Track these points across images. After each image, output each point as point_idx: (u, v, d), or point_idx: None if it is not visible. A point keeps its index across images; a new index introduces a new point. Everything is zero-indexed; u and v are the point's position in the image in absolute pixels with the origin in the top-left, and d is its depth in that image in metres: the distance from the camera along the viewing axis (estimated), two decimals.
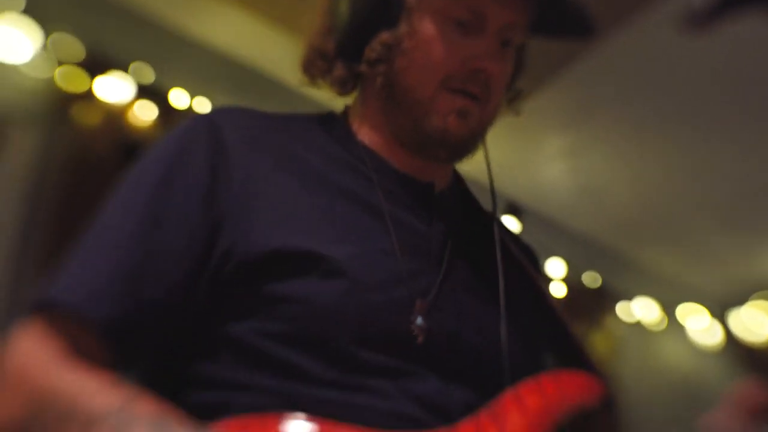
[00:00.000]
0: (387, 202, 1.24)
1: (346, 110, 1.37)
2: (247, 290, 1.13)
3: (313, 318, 1.11)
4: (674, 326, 4.11)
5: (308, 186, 1.21)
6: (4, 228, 2.42)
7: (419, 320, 1.15)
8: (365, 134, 1.31)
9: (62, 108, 3.06)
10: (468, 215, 1.39)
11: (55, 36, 3.08)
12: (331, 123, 1.34)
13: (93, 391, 1.00)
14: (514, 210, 3.57)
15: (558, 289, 3.78)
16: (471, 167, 1.36)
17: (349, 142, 1.30)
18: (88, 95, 3.19)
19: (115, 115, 3.22)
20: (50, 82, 3.04)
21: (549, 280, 1.25)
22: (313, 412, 1.06)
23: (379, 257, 1.19)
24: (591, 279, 3.90)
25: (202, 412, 1.06)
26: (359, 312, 1.13)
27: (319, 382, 1.09)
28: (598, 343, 3.82)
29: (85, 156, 2.94)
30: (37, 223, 2.45)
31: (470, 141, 1.27)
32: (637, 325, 3.93)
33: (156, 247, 1.12)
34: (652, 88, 3.46)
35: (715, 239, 4.17)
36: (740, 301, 4.33)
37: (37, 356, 1.04)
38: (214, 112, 1.25)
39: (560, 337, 1.29)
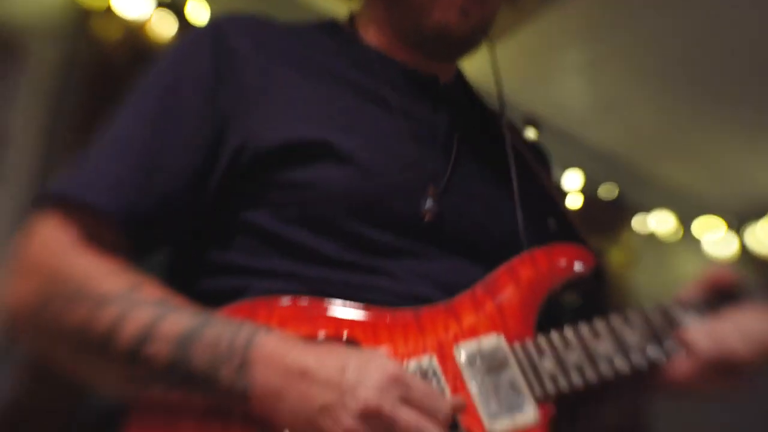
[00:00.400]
0: (393, 92, 1.28)
1: (352, 16, 1.41)
2: (262, 180, 1.18)
3: (325, 202, 1.17)
4: (690, 239, 4.14)
5: (315, 80, 1.26)
6: (26, 139, 2.47)
7: (429, 202, 1.21)
8: (371, 36, 1.36)
9: (82, 22, 3.09)
10: (473, 108, 1.43)
11: None
12: (337, 28, 1.38)
13: (103, 274, 1.06)
14: (532, 122, 3.59)
15: (574, 201, 3.81)
16: (480, 72, 1.40)
17: (355, 43, 1.35)
18: (108, 10, 3.22)
19: (134, 30, 3.25)
20: None
21: (551, 174, 1.29)
22: (324, 294, 1.13)
23: (387, 144, 1.24)
24: (608, 191, 3.92)
25: (218, 299, 1.12)
26: (369, 195, 1.19)
27: (332, 264, 1.16)
28: (614, 255, 3.86)
29: (104, 69, 2.98)
30: (58, 135, 2.51)
31: (472, 38, 1.31)
32: (653, 238, 3.95)
33: (165, 144, 1.17)
34: (672, 2, 3.43)
35: (734, 153, 4.17)
36: (757, 215, 4.34)
37: (53, 245, 1.10)
38: (220, 19, 1.29)
39: (556, 215, 1.35)
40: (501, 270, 1.20)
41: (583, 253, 1.24)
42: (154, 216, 1.15)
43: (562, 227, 1.35)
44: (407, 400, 0.95)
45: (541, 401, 1.07)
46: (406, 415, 0.93)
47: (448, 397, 1.03)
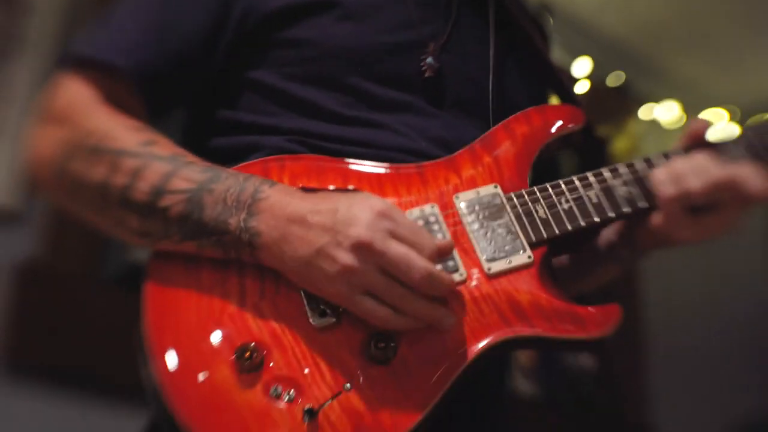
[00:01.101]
0: None
1: None
2: (267, 39, 1.26)
3: (328, 58, 1.25)
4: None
5: None
6: (49, 5, 2.50)
7: (430, 59, 1.28)
8: None
9: None
10: None
11: None
12: None
13: (121, 130, 1.14)
14: (545, 9, 3.59)
15: (582, 87, 3.84)
16: None
17: None
18: None
19: None
20: None
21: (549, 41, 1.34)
22: (329, 149, 1.21)
23: (388, 3, 1.31)
24: (615, 79, 3.94)
25: (229, 156, 1.20)
26: (370, 51, 1.27)
27: (335, 119, 1.24)
28: (618, 142, 3.91)
29: None
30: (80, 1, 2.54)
31: None
32: (658, 126, 3.99)
33: (179, 7, 1.25)
34: None
35: (744, 46, 4.16)
36: (763, 109, 4.35)
37: (75, 101, 1.18)
38: None
39: (549, 76, 1.43)
40: (498, 127, 1.28)
41: (574, 111, 1.32)
42: (167, 74, 1.22)
43: (556, 90, 1.42)
44: (395, 235, 1.03)
45: (534, 245, 1.17)
46: (395, 248, 1.02)
47: (448, 237, 1.13)
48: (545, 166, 1.33)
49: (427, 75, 1.28)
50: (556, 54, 3.67)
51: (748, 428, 3.49)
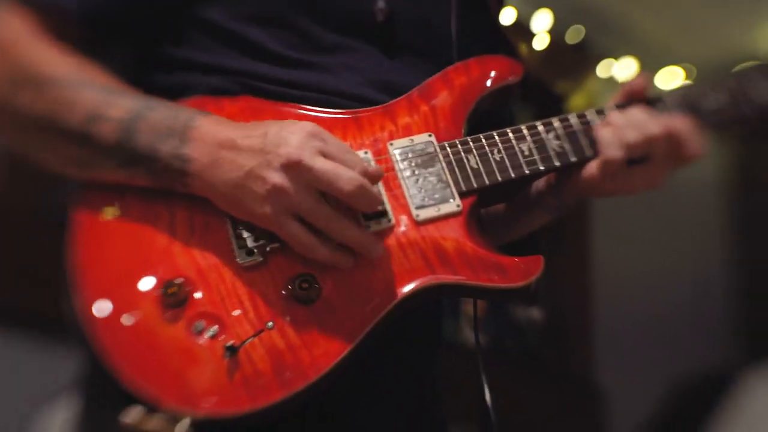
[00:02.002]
0: None
1: None
2: None
3: None
4: (652, 89, 4.17)
5: None
6: None
7: (381, 3, 1.28)
8: None
9: None
10: None
11: None
12: None
13: (60, 62, 1.13)
14: None
15: (541, 42, 3.83)
16: None
17: None
18: None
19: None
20: None
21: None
22: (270, 91, 1.21)
23: None
24: (575, 34, 3.94)
25: (171, 94, 1.19)
26: None
27: (279, 60, 1.24)
28: (575, 99, 3.92)
29: None
30: None
31: None
32: (615, 83, 4.00)
33: None
34: None
35: (703, 6, 4.17)
36: (722, 70, 4.36)
37: (16, 33, 1.16)
38: None
39: (490, 29, 1.43)
40: (436, 77, 1.28)
41: (514, 64, 1.32)
42: (110, 9, 1.21)
43: (496, 40, 1.42)
44: (325, 153, 1.05)
45: (463, 194, 1.18)
46: (323, 164, 1.03)
47: (373, 165, 1.13)
48: (496, 118, 1.34)
49: (379, 19, 1.28)
50: (517, 5, 3.68)
51: (689, 388, 3.56)
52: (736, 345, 4.25)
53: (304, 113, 1.20)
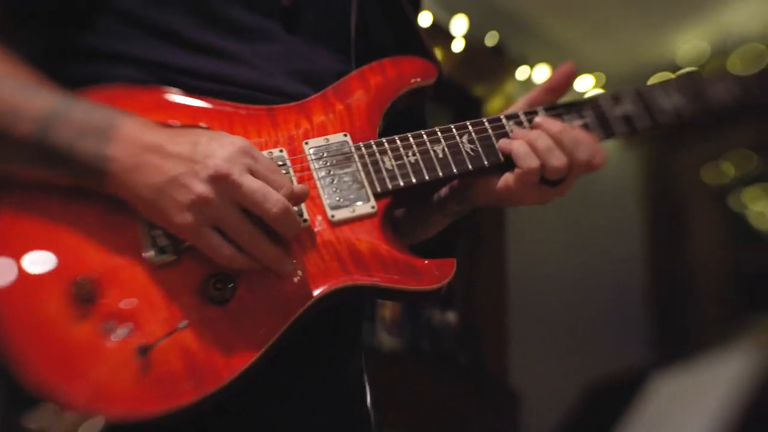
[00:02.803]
0: None
1: None
2: None
3: None
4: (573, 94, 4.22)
5: None
6: None
7: None
8: None
9: None
10: None
11: None
12: None
13: None
14: None
15: (457, 45, 3.85)
16: None
17: None
18: None
19: None
20: None
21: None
22: (183, 83, 1.18)
23: None
24: (492, 39, 3.97)
25: (79, 85, 1.15)
26: None
27: (192, 46, 1.21)
28: (494, 102, 3.95)
29: None
30: None
31: None
32: (533, 87, 4.03)
33: None
34: None
35: (621, 16, 4.25)
36: (638, 80, 4.45)
37: None
38: None
39: (405, 29, 1.43)
40: (352, 75, 1.28)
41: (428, 66, 1.32)
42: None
43: (411, 41, 1.42)
44: (253, 171, 1.03)
45: (378, 196, 1.17)
46: (251, 182, 1.01)
47: (296, 183, 1.12)
48: (410, 119, 1.34)
49: (283, 3, 1.28)
50: (433, 9, 3.70)
51: (602, 388, 3.62)
52: (650, 347, 4.34)
53: (217, 109, 1.17)
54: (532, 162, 1.19)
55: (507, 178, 1.22)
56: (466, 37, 3.85)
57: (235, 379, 1.01)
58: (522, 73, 4.04)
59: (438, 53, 3.81)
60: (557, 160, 1.19)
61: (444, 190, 1.33)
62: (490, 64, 4.00)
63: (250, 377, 1.02)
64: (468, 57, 3.90)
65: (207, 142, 1.03)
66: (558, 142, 1.20)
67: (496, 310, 3.80)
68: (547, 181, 1.22)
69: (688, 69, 4.35)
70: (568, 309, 4.08)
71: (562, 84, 1.29)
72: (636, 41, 4.40)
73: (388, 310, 3.42)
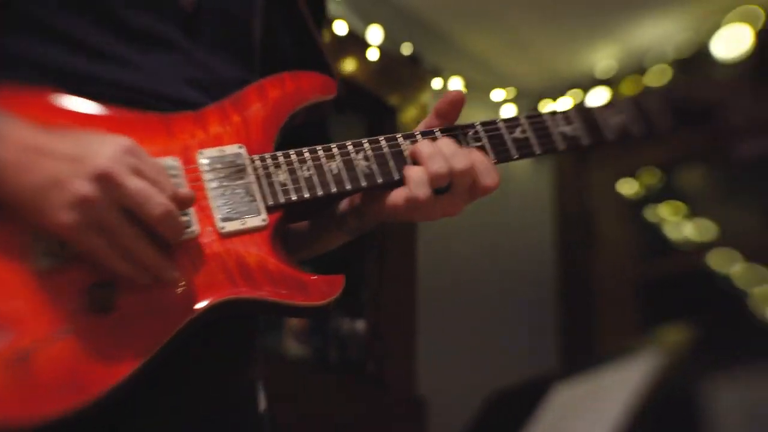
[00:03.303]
0: None
1: None
2: None
3: None
4: (487, 106, 4.28)
5: None
6: None
7: None
8: None
9: None
10: None
11: None
12: None
13: None
14: None
15: (373, 54, 3.87)
16: None
17: None
18: None
19: None
20: None
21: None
22: (74, 86, 1.15)
23: None
24: (408, 50, 4.00)
25: None
26: None
27: (87, 53, 1.19)
28: (409, 112, 3.97)
29: None
30: None
31: None
32: None
33: None
34: None
35: (538, 31, 4.31)
36: (554, 95, 4.52)
37: None
38: None
39: (307, 44, 1.43)
40: (250, 88, 1.27)
41: (328, 82, 1.33)
42: None
43: (313, 55, 1.43)
44: (138, 172, 1.01)
45: (270, 209, 1.17)
46: (135, 183, 1.00)
47: (185, 190, 1.10)
48: (312, 133, 1.34)
49: (184, 9, 1.27)
50: (349, 19, 3.71)
51: (505, 397, 3.67)
52: (557, 356, 4.41)
53: (111, 115, 1.15)
54: (422, 186, 1.20)
55: (397, 196, 1.22)
56: (382, 46, 3.87)
57: (111, 391, 0.99)
58: (437, 83, 4.07)
59: (353, 62, 3.87)
60: (437, 165, 1.19)
61: (345, 207, 1.33)
62: (405, 74, 4.02)
63: (127, 390, 1.01)
64: (383, 67, 3.91)
65: (90, 142, 1.01)
66: (446, 156, 1.21)
67: (404, 319, 3.81)
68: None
69: (601, 86, 4.44)
70: (477, 318, 4.12)
71: (449, 111, 1.29)
72: (552, 56, 4.45)
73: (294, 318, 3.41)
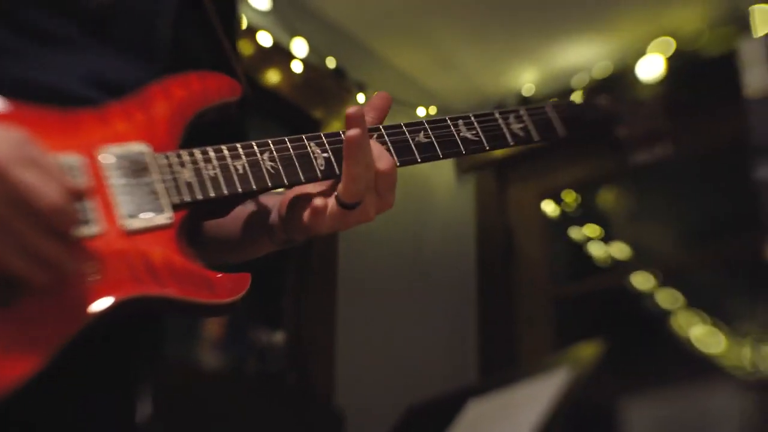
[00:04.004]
0: None
1: None
2: None
3: None
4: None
5: None
6: None
7: None
8: None
9: None
10: None
11: None
12: None
13: None
14: None
15: (297, 67, 3.87)
16: None
17: None
18: None
19: None
20: None
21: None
22: None
23: None
24: (332, 64, 4.01)
25: None
26: None
27: None
28: (334, 126, 3.97)
29: None
30: None
31: None
32: None
33: None
34: None
35: (462, 49, 4.34)
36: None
37: None
38: None
39: (213, 45, 1.44)
40: (155, 86, 1.26)
41: (233, 84, 1.34)
42: None
43: (220, 59, 1.43)
44: (30, 162, 0.97)
45: (175, 207, 1.17)
46: (27, 175, 0.96)
47: (78, 181, 1.08)
48: (228, 134, 1.32)
49: (88, 7, 1.25)
50: (274, 31, 3.71)
51: (426, 408, 3.68)
52: (475, 372, 4.44)
53: (6, 108, 1.11)
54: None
55: (306, 211, 1.26)
56: (307, 59, 3.87)
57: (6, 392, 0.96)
58: (362, 98, 4.09)
59: (277, 74, 3.87)
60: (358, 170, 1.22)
61: (274, 219, 1.34)
62: (329, 87, 4.03)
63: (17, 395, 0.96)
64: (308, 79, 3.92)
65: None
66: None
67: (325, 330, 3.80)
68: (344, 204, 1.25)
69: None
70: (397, 331, 4.13)
71: (377, 116, 1.32)
72: (478, 75, 4.49)
73: (212, 327, 3.38)
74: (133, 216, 1.13)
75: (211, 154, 1.22)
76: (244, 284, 1.16)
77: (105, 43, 1.27)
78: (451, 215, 4.65)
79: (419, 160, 1.33)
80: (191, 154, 1.21)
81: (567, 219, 4.88)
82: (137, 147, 1.19)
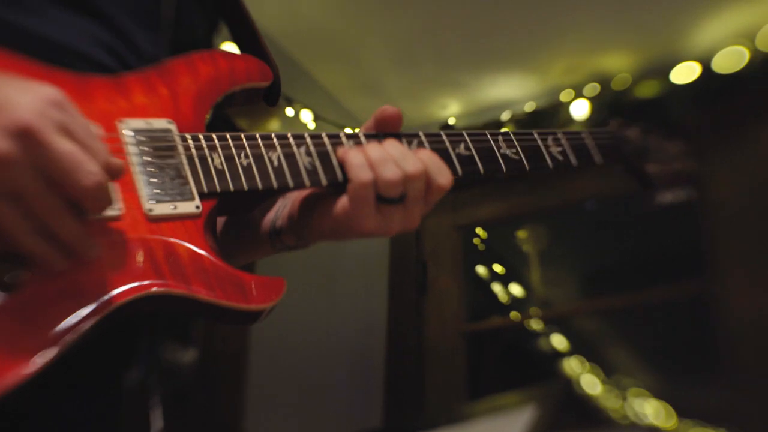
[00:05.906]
0: None
1: None
2: None
3: None
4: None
5: None
6: None
7: None
8: None
9: None
10: None
11: None
12: None
13: None
14: None
15: None
16: None
17: None
18: None
19: None
20: None
21: None
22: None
23: None
24: None
25: None
26: None
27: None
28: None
29: None
30: None
31: None
32: (299, 124, 3.96)
33: None
34: None
35: (389, 74, 4.30)
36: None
37: None
38: None
39: (245, 28, 1.30)
40: (179, 61, 1.12)
41: (264, 67, 1.21)
42: None
43: (251, 42, 1.29)
44: (67, 130, 0.83)
45: (204, 196, 1.01)
46: (63, 145, 0.81)
47: (115, 159, 0.91)
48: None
49: None
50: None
51: None
52: (383, 412, 4.33)
53: (20, 64, 0.95)
54: (365, 174, 1.07)
55: (343, 200, 1.09)
56: None
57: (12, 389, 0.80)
58: (290, 112, 3.97)
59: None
60: (390, 171, 1.07)
61: (283, 223, 1.20)
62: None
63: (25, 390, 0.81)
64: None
65: (10, 88, 0.82)
66: (391, 156, 1.09)
67: (235, 357, 3.65)
68: (385, 199, 1.09)
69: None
70: (309, 366, 4.00)
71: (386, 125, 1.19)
72: (404, 102, 4.43)
73: None
74: (156, 200, 0.97)
75: (244, 140, 1.07)
76: (279, 290, 1.00)
77: (123, 14, 1.12)
78: (366, 243, 4.55)
79: (460, 174, 1.21)
80: (222, 138, 1.06)
81: (479, 254, 4.87)
82: (161, 123, 1.03)
